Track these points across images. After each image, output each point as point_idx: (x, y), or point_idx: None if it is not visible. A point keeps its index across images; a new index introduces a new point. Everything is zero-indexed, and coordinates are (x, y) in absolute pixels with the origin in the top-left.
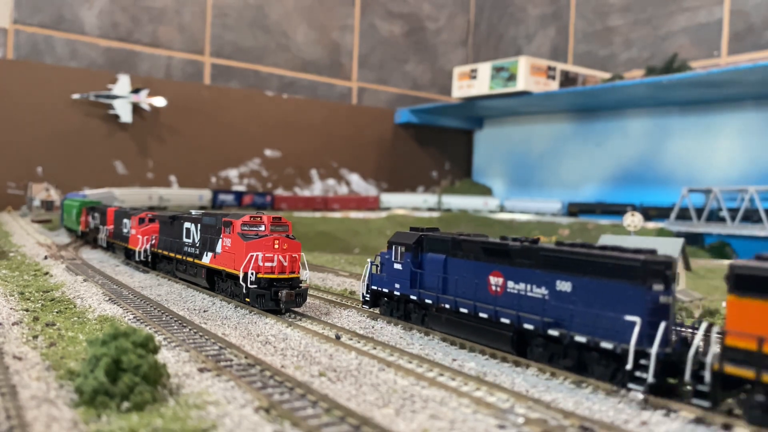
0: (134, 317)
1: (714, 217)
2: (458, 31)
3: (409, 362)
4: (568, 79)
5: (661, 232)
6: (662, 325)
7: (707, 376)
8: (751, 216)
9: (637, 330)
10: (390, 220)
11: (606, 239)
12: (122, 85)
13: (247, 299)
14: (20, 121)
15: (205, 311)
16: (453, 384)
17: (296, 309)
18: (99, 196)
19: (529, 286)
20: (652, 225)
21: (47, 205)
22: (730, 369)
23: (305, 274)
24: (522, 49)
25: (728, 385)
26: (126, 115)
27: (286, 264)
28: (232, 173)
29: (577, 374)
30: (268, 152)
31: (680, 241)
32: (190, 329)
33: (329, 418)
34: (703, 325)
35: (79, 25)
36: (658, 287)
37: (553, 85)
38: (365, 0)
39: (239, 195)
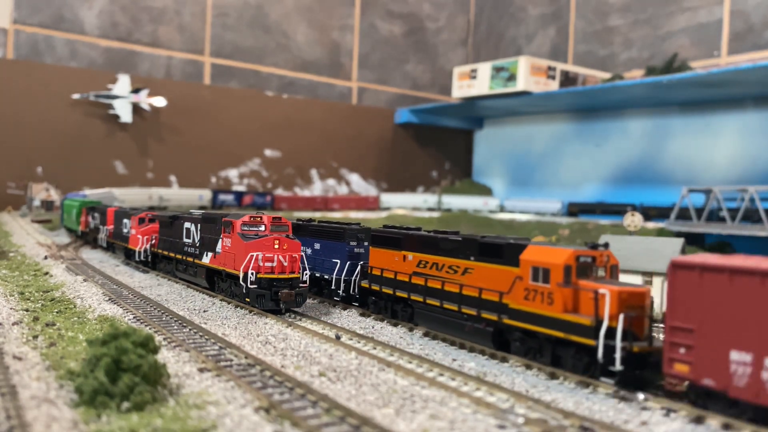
0: (134, 317)
1: (714, 217)
2: (458, 31)
3: (409, 362)
4: (568, 79)
5: (661, 232)
6: (348, 263)
7: (356, 290)
8: (751, 216)
9: (338, 266)
10: (390, 220)
11: (606, 239)
12: (122, 85)
13: (247, 299)
14: (20, 121)
15: (205, 311)
16: (453, 384)
17: (296, 309)
18: (99, 196)
19: (307, 248)
20: (652, 225)
21: (47, 205)
22: (363, 284)
23: (305, 274)
24: (522, 49)
25: (370, 294)
26: (126, 115)
27: (286, 264)
28: (232, 173)
29: (317, 295)
30: (268, 152)
31: (680, 241)
32: (190, 329)
33: (329, 418)
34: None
35: (79, 25)
36: (353, 243)
37: (553, 85)
38: (365, 0)
39: (239, 195)
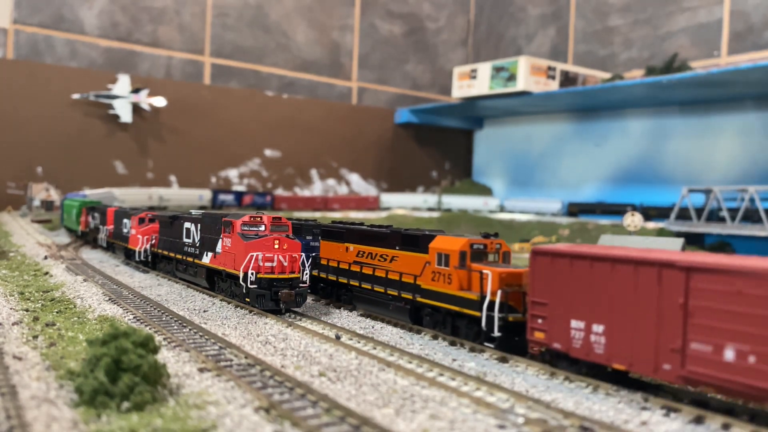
0: (134, 317)
1: (714, 217)
2: (458, 31)
3: (409, 362)
4: (568, 79)
5: (661, 232)
6: (304, 254)
7: (308, 278)
8: (751, 216)
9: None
10: (390, 220)
11: (606, 239)
12: (122, 85)
13: (247, 299)
14: (20, 121)
15: (205, 311)
16: (453, 384)
17: (296, 309)
18: (99, 196)
19: None
20: (652, 225)
21: (47, 205)
22: (314, 272)
23: (305, 274)
24: (522, 49)
25: (320, 282)
26: (126, 115)
27: (286, 264)
28: (232, 173)
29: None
30: (268, 152)
31: (680, 241)
32: (190, 329)
33: (329, 418)
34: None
35: (79, 25)
36: (309, 237)
37: (553, 85)
38: (365, 0)
39: (239, 195)
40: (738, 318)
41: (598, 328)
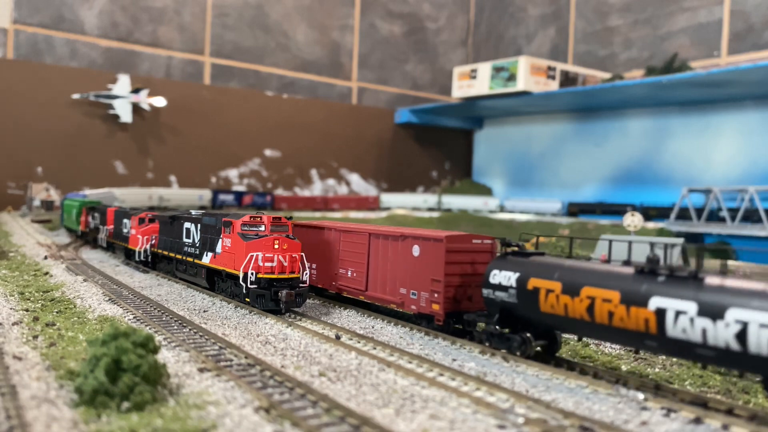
0: (134, 317)
1: (714, 217)
2: (458, 31)
3: (409, 362)
4: (568, 79)
5: (661, 232)
6: None
7: None
8: (751, 216)
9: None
10: (390, 220)
11: (606, 240)
12: (122, 85)
13: (247, 299)
14: (20, 121)
15: (205, 311)
16: (453, 384)
17: (296, 309)
18: (99, 196)
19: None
20: (652, 225)
21: (47, 205)
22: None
23: (305, 274)
24: (522, 49)
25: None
26: (126, 115)
27: (286, 264)
28: (232, 173)
29: None
30: (268, 152)
31: (680, 241)
32: (190, 329)
33: (329, 418)
34: None
35: (79, 25)
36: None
37: (553, 85)
38: (365, 0)
39: (239, 195)
40: (351, 255)
41: (314, 266)
